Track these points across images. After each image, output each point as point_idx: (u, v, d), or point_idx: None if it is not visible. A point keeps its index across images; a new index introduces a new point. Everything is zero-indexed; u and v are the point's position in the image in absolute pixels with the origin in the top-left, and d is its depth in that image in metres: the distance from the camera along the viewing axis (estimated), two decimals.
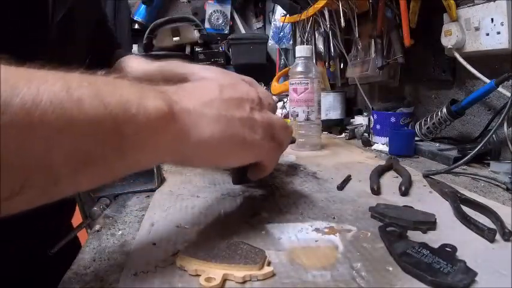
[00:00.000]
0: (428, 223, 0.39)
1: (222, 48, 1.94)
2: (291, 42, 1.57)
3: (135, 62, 0.65)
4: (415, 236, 0.37)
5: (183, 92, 0.34)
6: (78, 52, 0.56)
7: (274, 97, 1.37)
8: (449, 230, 0.38)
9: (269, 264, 0.32)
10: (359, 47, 1.03)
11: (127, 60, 0.67)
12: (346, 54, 1.09)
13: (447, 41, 0.73)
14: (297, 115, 0.83)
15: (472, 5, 0.68)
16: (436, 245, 0.33)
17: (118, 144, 0.27)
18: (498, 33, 0.64)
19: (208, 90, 0.36)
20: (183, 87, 0.36)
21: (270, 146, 0.39)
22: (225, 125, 0.34)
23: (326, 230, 0.39)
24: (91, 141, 0.25)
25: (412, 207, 0.43)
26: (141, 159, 0.30)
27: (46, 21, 0.45)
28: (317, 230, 0.39)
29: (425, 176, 0.57)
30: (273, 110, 0.44)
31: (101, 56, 0.66)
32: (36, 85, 0.22)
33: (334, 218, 0.42)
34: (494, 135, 0.62)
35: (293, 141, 0.65)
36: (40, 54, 0.45)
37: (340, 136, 1.04)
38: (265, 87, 1.60)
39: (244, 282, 0.29)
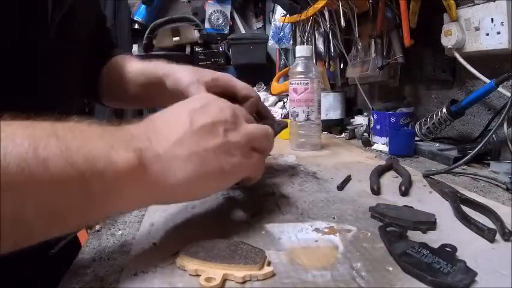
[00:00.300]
0: (428, 223, 0.39)
1: (222, 48, 1.95)
2: (291, 42, 1.57)
3: (126, 63, 0.66)
4: (415, 236, 0.37)
5: (153, 134, 0.33)
6: (78, 52, 0.56)
7: (273, 97, 1.37)
8: (449, 230, 0.38)
9: (269, 264, 0.32)
10: (359, 47, 1.03)
11: (119, 60, 0.67)
12: (346, 54, 1.09)
13: (447, 41, 0.73)
14: (297, 115, 0.83)
15: (472, 5, 0.68)
16: (436, 245, 0.33)
17: (87, 199, 0.27)
18: (498, 33, 0.64)
19: (178, 124, 0.34)
20: (153, 127, 0.34)
21: (251, 161, 0.38)
22: (199, 162, 0.33)
23: (326, 230, 0.39)
24: (60, 198, 0.26)
25: (412, 207, 0.43)
26: (113, 210, 0.31)
27: (45, 21, 0.45)
28: (317, 230, 0.39)
29: (425, 176, 0.57)
30: (251, 109, 0.44)
31: (100, 56, 0.66)
32: (3, 148, 0.24)
33: (334, 218, 0.42)
34: (494, 135, 0.62)
35: (284, 126, 0.65)
36: (40, 54, 0.45)
37: (340, 136, 1.04)
38: (264, 87, 1.60)
39: (244, 282, 0.29)
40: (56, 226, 0.27)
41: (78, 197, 0.27)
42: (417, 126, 0.80)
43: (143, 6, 1.99)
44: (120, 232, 0.40)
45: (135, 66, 0.65)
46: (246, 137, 0.37)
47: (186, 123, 0.34)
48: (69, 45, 0.51)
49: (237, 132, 0.37)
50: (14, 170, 0.24)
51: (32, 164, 0.24)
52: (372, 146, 0.85)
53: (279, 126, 0.63)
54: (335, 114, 1.09)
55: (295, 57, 0.85)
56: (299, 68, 0.82)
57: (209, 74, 0.57)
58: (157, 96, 0.61)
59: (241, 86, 0.58)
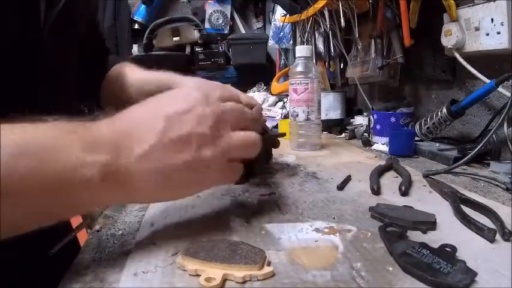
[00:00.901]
0: (428, 223, 0.39)
1: (222, 48, 1.95)
2: (291, 42, 1.57)
3: (127, 72, 0.67)
4: (415, 236, 0.37)
5: (123, 141, 0.33)
6: (73, 52, 0.56)
7: (273, 97, 1.37)
8: (449, 230, 0.38)
9: (269, 264, 0.32)
10: (359, 47, 1.03)
11: (119, 69, 0.68)
12: (346, 54, 1.09)
13: (447, 41, 0.73)
14: (297, 115, 0.83)
15: (472, 5, 0.68)
16: (436, 245, 0.33)
17: (56, 207, 0.31)
18: (498, 33, 0.64)
19: (150, 130, 0.33)
20: (123, 131, 0.33)
21: (225, 174, 0.37)
22: (162, 179, 0.33)
23: (326, 230, 0.39)
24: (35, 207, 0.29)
25: (412, 207, 0.43)
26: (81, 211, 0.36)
27: (39, 20, 0.45)
28: (317, 230, 0.39)
29: (425, 176, 0.57)
30: (258, 112, 0.43)
31: (91, 60, 0.66)
32: None
33: (334, 218, 0.42)
34: (494, 135, 0.62)
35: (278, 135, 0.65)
36: (35, 53, 0.45)
37: (340, 136, 1.04)
38: (264, 87, 1.60)
39: (244, 282, 0.29)
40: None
41: (50, 207, 0.30)
42: (417, 126, 0.80)
43: (143, 6, 1.98)
44: (120, 232, 0.40)
45: (138, 74, 0.65)
46: (222, 150, 0.35)
47: (159, 132, 0.33)
48: (65, 44, 0.51)
49: (213, 147, 0.35)
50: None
51: (12, 180, 0.27)
52: (372, 146, 0.85)
53: (272, 136, 0.62)
54: (335, 114, 1.09)
55: (295, 57, 0.85)
56: (299, 68, 0.82)
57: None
58: None
59: (244, 96, 0.58)
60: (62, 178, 0.29)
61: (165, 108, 0.35)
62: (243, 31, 2.09)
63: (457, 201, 0.44)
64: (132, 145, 0.32)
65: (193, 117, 0.34)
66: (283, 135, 0.67)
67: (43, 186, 0.29)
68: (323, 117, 1.02)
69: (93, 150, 0.31)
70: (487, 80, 0.66)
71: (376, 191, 0.51)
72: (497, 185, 0.53)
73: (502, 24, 0.63)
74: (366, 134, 0.92)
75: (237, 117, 0.38)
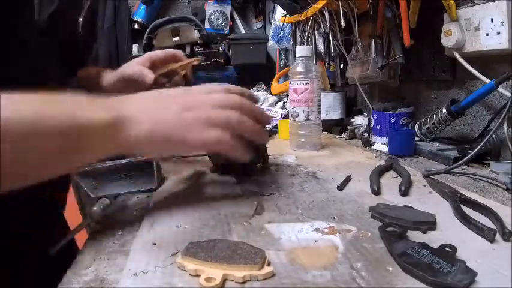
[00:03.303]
0: (428, 223, 0.39)
1: (222, 48, 1.94)
2: (291, 42, 1.56)
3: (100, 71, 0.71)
4: (415, 236, 0.37)
5: (129, 99, 0.40)
6: (53, 55, 0.56)
7: (273, 97, 1.37)
8: (449, 230, 0.38)
9: (269, 264, 0.32)
10: (359, 47, 1.03)
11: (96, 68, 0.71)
12: (346, 54, 1.09)
13: (447, 41, 0.73)
14: (297, 115, 0.83)
15: (472, 5, 0.68)
16: (436, 245, 0.33)
17: (72, 148, 0.35)
18: (498, 33, 0.64)
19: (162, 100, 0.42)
20: (132, 96, 0.41)
21: (224, 137, 0.40)
22: (163, 124, 0.40)
23: (326, 230, 0.39)
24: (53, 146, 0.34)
25: (412, 207, 0.43)
26: (87, 156, 0.38)
27: (33, 18, 0.46)
28: (317, 230, 0.39)
29: (425, 176, 0.57)
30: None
31: (70, 59, 0.67)
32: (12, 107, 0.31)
33: (334, 218, 0.42)
34: (494, 135, 0.62)
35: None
36: (27, 51, 0.46)
37: (340, 136, 1.04)
38: (264, 87, 1.60)
39: (244, 282, 0.29)
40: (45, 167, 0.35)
41: (66, 147, 0.35)
42: (417, 126, 0.80)
43: (143, 6, 1.98)
44: (120, 232, 0.40)
45: (109, 73, 0.70)
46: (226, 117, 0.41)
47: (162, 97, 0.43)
48: (49, 45, 0.52)
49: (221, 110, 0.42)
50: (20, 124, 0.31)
51: (34, 121, 0.32)
52: (372, 146, 0.85)
53: None
54: (335, 114, 1.09)
55: (295, 57, 0.85)
56: (299, 68, 0.82)
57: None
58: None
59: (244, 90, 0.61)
60: (78, 121, 0.35)
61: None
62: (243, 31, 2.09)
63: (457, 201, 0.44)
64: (134, 100, 0.41)
65: (198, 95, 0.44)
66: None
67: (62, 128, 0.34)
68: (323, 117, 1.02)
69: (102, 104, 0.38)
70: (487, 80, 0.66)
71: (376, 191, 0.51)
72: (497, 185, 0.53)
73: (502, 24, 0.63)
74: (366, 134, 0.92)
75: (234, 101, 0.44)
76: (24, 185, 0.32)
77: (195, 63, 0.72)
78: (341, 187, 0.53)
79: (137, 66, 0.66)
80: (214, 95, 0.43)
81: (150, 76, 0.64)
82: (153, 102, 0.41)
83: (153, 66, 0.68)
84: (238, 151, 0.42)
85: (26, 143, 0.31)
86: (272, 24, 1.82)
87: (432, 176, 0.57)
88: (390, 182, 0.57)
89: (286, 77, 1.48)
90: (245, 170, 0.60)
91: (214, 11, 2.03)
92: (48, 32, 0.49)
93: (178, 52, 0.71)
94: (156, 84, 0.66)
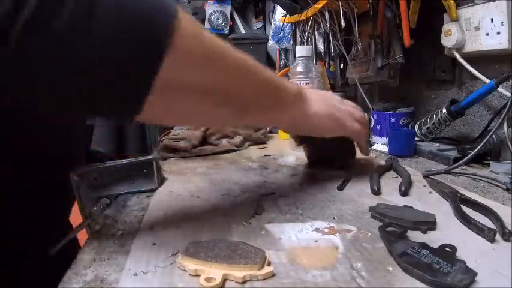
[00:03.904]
0: (428, 223, 0.39)
1: None
2: (291, 42, 1.56)
3: None
4: (415, 236, 0.37)
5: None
6: None
7: None
8: (449, 230, 0.38)
9: (269, 264, 0.32)
10: (359, 47, 1.03)
11: None
12: (346, 54, 1.09)
13: (447, 41, 0.73)
14: None
15: (472, 5, 0.68)
16: (436, 245, 0.33)
17: (277, 102, 0.45)
18: (498, 33, 0.64)
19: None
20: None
21: (359, 128, 0.57)
22: (327, 107, 0.53)
23: (326, 230, 0.39)
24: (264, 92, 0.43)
25: (412, 207, 0.43)
26: (281, 118, 0.48)
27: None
28: (317, 230, 0.39)
29: (425, 176, 0.57)
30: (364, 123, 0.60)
31: None
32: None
33: (334, 218, 0.42)
34: (494, 136, 0.62)
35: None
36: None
37: None
38: None
39: (244, 282, 0.29)
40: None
41: (274, 98, 0.45)
42: (417, 126, 0.80)
43: None
44: (120, 232, 0.40)
45: None
46: (360, 117, 0.59)
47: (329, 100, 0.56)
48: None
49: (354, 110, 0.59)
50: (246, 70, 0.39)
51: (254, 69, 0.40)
52: (371, 146, 0.85)
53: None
54: None
55: (295, 57, 0.85)
56: (299, 68, 0.82)
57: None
58: None
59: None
60: (280, 83, 0.45)
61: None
62: (243, 31, 2.09)
63: (457, 201, 0.44)
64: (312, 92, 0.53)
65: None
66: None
67: (273, 81, 0.44)
68: None
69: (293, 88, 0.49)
70: (487, 80, 0.66)
71: (376, 191, 0.51)
72: (497, 185, 0.53)
73: (502, 24, 0.63)
74: None
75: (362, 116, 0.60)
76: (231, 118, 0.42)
77: None
78: (341, 187, 0.53)
79: None
80: (350, 103, 0.60)
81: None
82: (316, 94, 0.54)
83: None
84: (365, 142, 0.62)
85: (249, 81, 0.40)
86: (272, 24, 1.82)
87: (432, 176, 0.57)
88: (390, 182, 0.57)
89: (286, 77, 1.48)
90: (337, 164, 0.65)
91: (214, 11, 2.03)
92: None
93: None
94: None
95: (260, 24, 2.12)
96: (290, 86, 0.47)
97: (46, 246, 0.47)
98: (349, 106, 0.58)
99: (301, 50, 0.82)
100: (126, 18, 0.27)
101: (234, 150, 0.84)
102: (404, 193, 0.50)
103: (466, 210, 0.42)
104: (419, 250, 0.32)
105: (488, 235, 0.35)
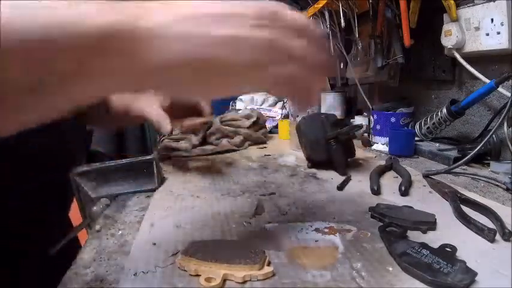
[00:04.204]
0: (428, 223, 0.39)
1: None
2: None
3: None
4: (415, 236, 0.37)
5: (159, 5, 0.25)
6: None
7: (273, 98, 1.37)
8: (449, 230, 0.38)
9: (269, 264, 0.32)
10: (359, 47, 1.03)
11: None
12: (346, 54, 1.09)
13: (447, 41, 0.73)
14: (297, 115, 0.83)
15: (472, 5, 0.68)
16: (436, 245, 0.33)
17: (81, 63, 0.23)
18: (498, 33, 0.64)
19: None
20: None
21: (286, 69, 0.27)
22: (196, 45, 0.25)
23: (326, 230, 0.39)
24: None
25: (412, 207, 0.43)
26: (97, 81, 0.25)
27: None
28: (317, 230, 0.39)
29: (425, 176, 0.57)
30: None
31: None
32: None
33: (334, 218, 0.42)
34: (494, 135, 0.62)
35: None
36: None
37: None
38: None
39: (244, 282, 0.29)
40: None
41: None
42: (417, 126, 0.80)
43: None
44: (120, 232, 0.40)
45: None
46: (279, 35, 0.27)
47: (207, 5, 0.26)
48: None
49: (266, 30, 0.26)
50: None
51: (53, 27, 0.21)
52: (372, 146, 0.85)
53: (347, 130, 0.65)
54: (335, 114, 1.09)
55: None
56: None
57: None
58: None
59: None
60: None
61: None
62: None
63: (457, 201, 0.44)
64: (174, 10, 0.25)
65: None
66: (359, 127, 0.67)
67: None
68: None
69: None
70: (487, 80, 0.66)
71: (376, 191, 0.51)
72: (497, 185, 0.53)
73: (502, 24, 0.63)
74: (366, 134, 0.92)
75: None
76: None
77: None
78: (341, 187, 0.53)
79: (156, 110, 0.59)
80: None
81: (167, 128, 0.58)
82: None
83: (171, 109, 0.60)
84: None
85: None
86: None
87: (432, 176, 0.57)
88: (390, 182, 0.57)
89: None
90: (337, 164, 0.63)
91: None
92: None
93: (201, 104, 0.65)
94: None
95: None
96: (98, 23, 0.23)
97: (46, 246, 0.47)
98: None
99: None
100: None
101: (234, 150, 0.84)
102: (404, 193, 0.50)
103: (466, 210, 0.42)
104: (419, 250, 0.32)
105: (488, 235, 0.35)
